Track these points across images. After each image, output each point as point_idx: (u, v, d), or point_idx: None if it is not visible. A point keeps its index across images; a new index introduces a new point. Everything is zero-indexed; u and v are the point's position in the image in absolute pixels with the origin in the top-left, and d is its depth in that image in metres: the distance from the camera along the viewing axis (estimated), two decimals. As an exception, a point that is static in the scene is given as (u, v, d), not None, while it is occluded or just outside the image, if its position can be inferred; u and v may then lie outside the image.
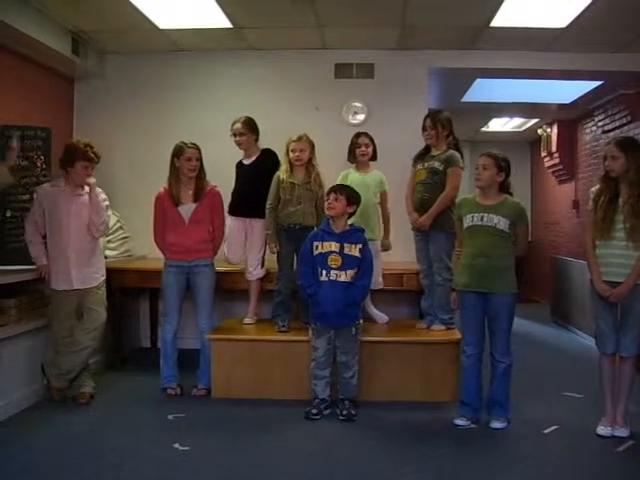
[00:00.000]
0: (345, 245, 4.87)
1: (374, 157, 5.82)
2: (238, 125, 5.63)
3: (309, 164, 5.48)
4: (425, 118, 5.52)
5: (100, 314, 5.17)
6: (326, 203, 4.97)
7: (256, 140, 5.69)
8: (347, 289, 4.84)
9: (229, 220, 5.71)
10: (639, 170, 4.32)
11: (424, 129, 5.48)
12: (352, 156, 5.79)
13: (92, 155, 5.02)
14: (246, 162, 5.72)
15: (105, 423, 4.71)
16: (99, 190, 5.19)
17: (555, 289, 9.62)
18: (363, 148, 5.73)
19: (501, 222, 4.55)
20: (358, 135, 5.81)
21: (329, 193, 4.96)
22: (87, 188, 5.11)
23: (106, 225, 5.25)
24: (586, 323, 7.93)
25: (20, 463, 3.94)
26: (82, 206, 5.07)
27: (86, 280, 5.11)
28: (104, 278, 5.28)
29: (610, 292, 4.35)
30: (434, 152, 5.48)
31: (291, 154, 5.44)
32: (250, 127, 5.65)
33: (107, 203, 5.25)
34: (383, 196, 5.77)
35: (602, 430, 4.45)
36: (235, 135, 5.64)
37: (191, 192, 5.29)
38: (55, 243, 5.07)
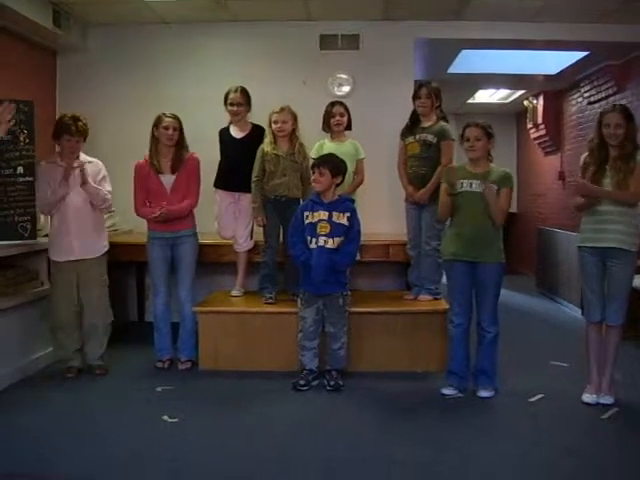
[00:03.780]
0: (334, 213, 4.88)
1: (349, 127, 5.77)
2: (237, 95, 5.58)
3: (293, 135, 5.45)
4: (420, 87, 5.44)
5: (100, 289, 5.22)
6: (312, 178, 4.97)
7: (247, 112, 5.66)
8: (332, 254, 4.85)
9: (217, 195, 5.72)
10: (632, 136, 4.40)
11: (418, 97, 5.40)
12: (327, 125, 5.74)
13: (74, 129, 4.99)
14: (236, 136, 5.67)
15: (93, 396, 4.73)
16: (95, 162, 5.20)
17: (540, 260, 9.67)
18: (338, 117, 5.67)
19: (490, 188, 4.57)
20: (333, 104, 5.75)
21: (312, 168, 4.97)
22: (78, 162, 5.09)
23: (108, 202, 5.21)
24: (571, 293, 8.00)
25: (5, 439, 3.94)
26: (78, 179, 5.05)
27: (87, 250, 5.13)
28: (106, 249, 5.30)
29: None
30: (424, 123, 5.44)
31: (274, 125, 5.41)
32: (247, 98, 5.62)
33: (105, 174, 5.24)
34: (358, 164, 5.72)
35: (587, 398, 4.50)
36: (232, 105, 5.59)
37: (170, 163, 5.28)
38: (57, 216, 5.10)
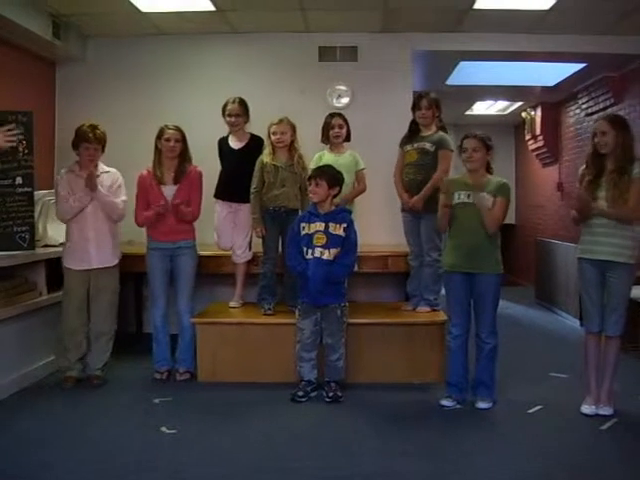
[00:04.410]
0: (330, 224, 4.90)
1: (348, 138, 5.80)
2: (234, 106, 5.60)
3: (291, 146, 5.47)
4: (420, 98, 5.44)
5: (112, 297, 5.28)
6: (308, 189, 4.99)
7: (245, 122, 5.68)
8: (329, 266, 4.85)
9: (217, 206, 5.72)
10: (625, 147, 4.35)
11: (419, 108, 5.41)
12: (325, 137, 5.77)
13: (92, 136, 5.06)
14: (234, 146, 5.68)
15: (91, 407, 4.71)
16: (113, 171, 5.26)
17: (539, 271, 9.67)
18: (337, 129, 5.70)
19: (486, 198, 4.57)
20: (332, 116, 5.78)
21: (309, 180, 4.99)
22: (100, 170, 5.19)
23: (118, 211, 5.23)
24: (570, 305, 8.00)
25: (4, 448, 3.93)
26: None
27: (103, 259, 5.19)
28: (118, 261, 5.33)
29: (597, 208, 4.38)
30: (424, 133, 5.45)
31: (272, 137, 5.43)
32: (245, 108, 5.64)
33: (121, 183, 5.27)
34: (359, 175, 5.76)
35: (586, 409, 4.49)
36: (230, 116, 5.60)
37: (173, 174, 5.30)
38: (75, 225, 5.14)
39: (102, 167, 5.23)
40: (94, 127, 5.11)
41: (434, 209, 5.06)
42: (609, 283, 4.42)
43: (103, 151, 5.21)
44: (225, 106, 5.62)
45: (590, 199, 4.39)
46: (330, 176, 4.95)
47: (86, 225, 5.11)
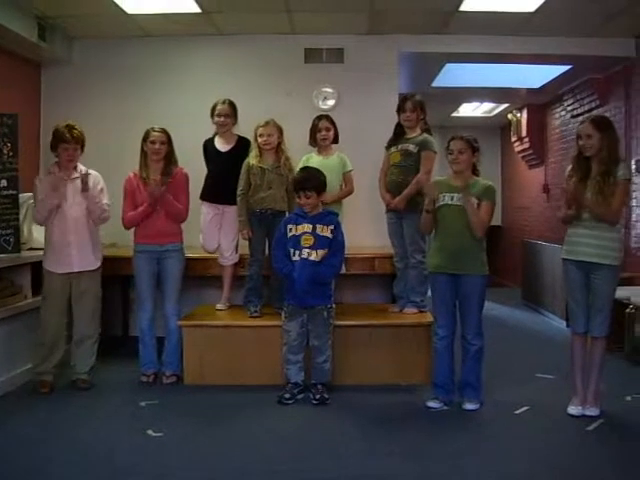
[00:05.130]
0: (317, 226, 4.91)
1: (335, 140, 5.80)
2: (224, 106, 5.61)
3: (278, 149, 5.47)
4: (404, 100, 5.45)
5: (95, 300, 5.23)
6: (300, 202, 4.98)
7: (233, 124, 5.69)
8: (315, 267, 4.86)
9: (203, 207, 5.71)
10: (610, 149, 4.36)
11: (403, 111, 5.42)
12: (313, 140, 5.77)
13: (69, 136, 5.00)
14: (221, 149, 5.68)
15: (77, 410, 4.68)
16: (94, 174, 5.19)
17: (526, 272, 9.70)
18: (324, 132, 5.70)
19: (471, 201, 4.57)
20: (319, 118, 5.78)
21: (297, 192, 4.98)
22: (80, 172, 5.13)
23: (105, 212, 5.19)
24: (556, 305, 8.03)
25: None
26: (77, 190, 5.06)
27: (85, 263, 5.13)
28: (100, 264, 5.27)
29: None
30: (409, 135, 5.46)
31: (259, 139, 5.43)
32: (234, 110, 5.66)
33: (103, 186, 5.22)
34: (346, 176, 5.75)
35: (573, 410, 4.50)
36: (220, 116, 5.60)
37: (159, 176, 5.26)
38: (56, 228, 5.07)
39: (82, 168, 5.17)
40: (71, 127, 5.04)
41: (416, 210, 5.07)
42: (594, 284, 4.44)
43: (82, 151, 5.15)
44: (214, 107, 5.63)
45: (581, 189, 4.39)
46: (317, 183, 4.96)
47: (67, 228, 5.05)
